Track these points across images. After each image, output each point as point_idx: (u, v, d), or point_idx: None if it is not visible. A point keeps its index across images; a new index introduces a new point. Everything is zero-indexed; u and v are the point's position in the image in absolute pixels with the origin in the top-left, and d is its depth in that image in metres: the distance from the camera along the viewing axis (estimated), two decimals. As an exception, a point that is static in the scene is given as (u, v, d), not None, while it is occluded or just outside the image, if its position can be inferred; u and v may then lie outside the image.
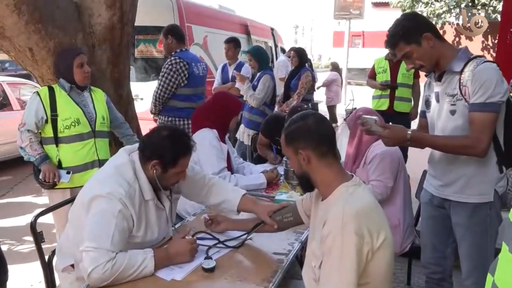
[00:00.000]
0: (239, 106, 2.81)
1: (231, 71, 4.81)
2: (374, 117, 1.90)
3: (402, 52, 1.86)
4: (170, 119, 3.71)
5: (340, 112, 9.71)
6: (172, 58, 3.60)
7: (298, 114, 1.48)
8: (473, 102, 1.72)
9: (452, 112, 1.82)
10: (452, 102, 1.81)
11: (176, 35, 3.71)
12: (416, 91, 4.74)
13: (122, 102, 3.35)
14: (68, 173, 2.55)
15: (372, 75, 4.85)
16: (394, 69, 4.63)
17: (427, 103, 2.01)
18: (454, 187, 1.88)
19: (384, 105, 4.64)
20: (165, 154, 1.63)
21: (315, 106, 6.02)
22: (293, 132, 1.43)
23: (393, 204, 2.47)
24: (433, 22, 9.74)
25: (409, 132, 1.84)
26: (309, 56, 6.87)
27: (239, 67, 4.76)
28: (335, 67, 9.37)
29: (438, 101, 1.90)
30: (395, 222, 2.43)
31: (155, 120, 3.97)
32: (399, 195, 2.48)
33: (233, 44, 4.82)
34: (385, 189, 2.42)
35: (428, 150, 2.07)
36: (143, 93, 5.14)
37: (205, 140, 2.49)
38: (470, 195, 1.84)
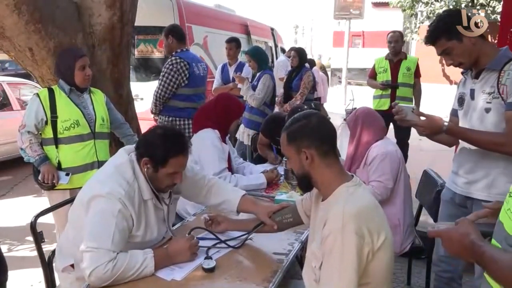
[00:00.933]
0: (241, 110, 2.79)
1: (231, 71, 4.80)
2: (412, 105, 1.89)
3: (443, 48, 1.86)
4: (170, 119, 3.71)
5: (340, 112, 9.71)
6: (173, 58, 3.60)
7: (300, 113, 1.47)
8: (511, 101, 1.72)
9: (487, 110, 1.82)
10: (488, 100, 1.81)
11: (177, 35, 3.71)
12: (417, 91, 4.70)
13: (122, 102, 3.34)
14: (67, 175, 2.54)
15: (372, 75, 4.84)
16: (394, 68, 4.60)
17: (461, 100, 2.00)
18: (479, 184, 1.88)
19: (385, 105, 4.60)
20: (155, 152, 1.62)
21: (317, 105, 6.02)
22: (296, 131, 1.42)
23: (393, 204, 2.47)
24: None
25: (446, 123, 1.84)
26: (309, 56, 6.86)
27: (240, 68, 4.75)
28: (320, 67, 9.40)
29: (473, 98, 1.90)
30: (395, 222, 2.43)
31: (156, 120, 3.97)
32: (399, 196, 2.48)
33: (234, 43, 4.82)
34: (385, 190, 2.42)
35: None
36: (143, 93, 5.14)
37: (206, 140, 2.49)
38: (495, 194, 1.83)
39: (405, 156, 4.23)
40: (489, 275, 0.99)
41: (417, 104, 4.69)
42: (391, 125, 4.44)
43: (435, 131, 1.87)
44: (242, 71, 4.68)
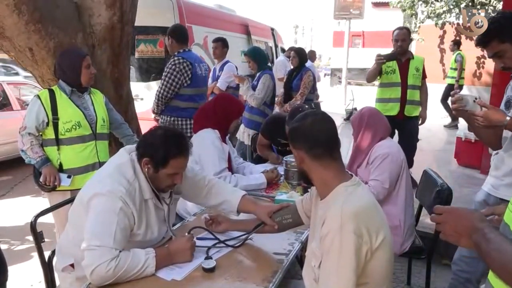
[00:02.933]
0: (241, 110, 2.77)
1: (217, 70, 4.89)
2: (475, 95, 1.81)
3: (494, 50, 1.83)
4: (172, 119, 3.71)
5: (340, 112, 9.71)
6: (176, 58, 3.60)
7: (300, 114, 1.49)
8: None
9: None
10: None
11: (176, 36, 3.72)
12: (424, 92, 4.27)
13: (122, 102, 3.35)
14: (68, 177, 2.53)
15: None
16: (403, 69, 4.14)
17: (508, 104, 1.97)
18: None
19: (394, 110, 4.13)
20: (156, 153, 1.62)
21: (317, 105, 6.02)
22: (291, 131, 1.47)
23: (394, 205, 2.46)
24: (434, 22, 9.75)
25: (508, 117, 1.76)
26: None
27: (222, 67, 4.81)
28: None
29: None
30: (396, 223, 2.42)
31: (157, 120, 3.97)
32: (400, 196, 2.47)
33: (221, 43, 4.87)
34: (382, 190, 2.41)
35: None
36: (143, 93, 5.14)
37: (206, 140, 2.49)
38: None
39: (411, 161, 3.77)
40: (488, 263, 0.95)
41: (424, 107, 4.30)
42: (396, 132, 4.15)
43: (495, 123, 1.78)
44: (223, 70, 4.74)
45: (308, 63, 7.97)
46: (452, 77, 8.07)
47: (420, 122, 4.32)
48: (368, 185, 2.42)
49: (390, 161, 2.41)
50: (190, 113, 3.65)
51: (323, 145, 1.40)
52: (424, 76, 4.26)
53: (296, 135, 1.44)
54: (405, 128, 4.22)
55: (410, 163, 3.07)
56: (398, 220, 2.44)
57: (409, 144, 4.12)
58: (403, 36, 4.07)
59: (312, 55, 8.57)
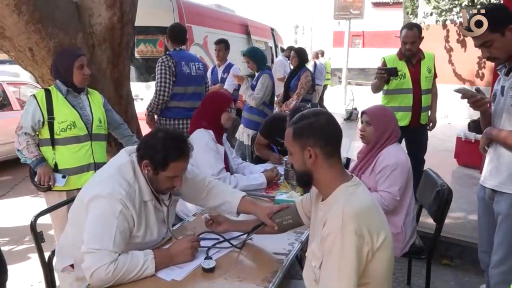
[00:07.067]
0: (228, 101, 2.66)
1: (220, 72, 4.89)
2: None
3: (484, 39, 1.87)
4: (164, 119, 3.73)
5: (341, 112, 9.71)
6: (162, 57, 3.64)
7: (309, 110, 1.46)
8: None
9: None
10: None
11: (173, 34, 3.75)
12: (434, 94, 3.80)
13: (122, 102, 3.35)
14: (63, 177, 2.52)
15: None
16: (414, 73, 3.63)
17: (494, 97, 2.04)
18: (500, 177, 1.95)
19: (404, 120, 3.64)
20: (156, 155, 1.61)
21: (314, 106, 6.00)
22: (303, 127, 1.40)
23: (396, 215, 2.39)
24: (435, 20, 9.73)
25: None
26: (310, 56, 6.92)
27: (227, 69, 4.81)
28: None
29: (502, 95, 1.93)
30: (398, 230, 2.37)
31: (150, 125, 3.90)
32: (404, 206, 2.40)
33: (223, 45, 4.88)
34: (393, 202, 2.32)
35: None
36: (143, 93, 5.14)
37: (201, 141, 2.48)
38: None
39: (420, 173, 2.97)
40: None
41: (434, 110, 3.86)
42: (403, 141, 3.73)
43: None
44: (229, 73, 4.74)
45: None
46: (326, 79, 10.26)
47: (429, 126, 3.88)
48: (379, 195, 2.32)
49: (400, 172, 2.31)
50: (175, 114, 3.67)
51: (335, 143, 1.41)
52: (435, 75, 3.78)
53: (311, 131, 1.38)
54: (417, 137, 3.81)
55: (419, 177, 2.78)
56: (400, 228, 2.38)
57: (415, 154, 3.74)
58: (413, 39, 3.53)
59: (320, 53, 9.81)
